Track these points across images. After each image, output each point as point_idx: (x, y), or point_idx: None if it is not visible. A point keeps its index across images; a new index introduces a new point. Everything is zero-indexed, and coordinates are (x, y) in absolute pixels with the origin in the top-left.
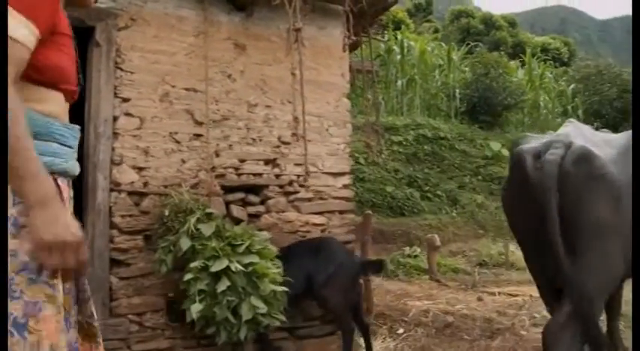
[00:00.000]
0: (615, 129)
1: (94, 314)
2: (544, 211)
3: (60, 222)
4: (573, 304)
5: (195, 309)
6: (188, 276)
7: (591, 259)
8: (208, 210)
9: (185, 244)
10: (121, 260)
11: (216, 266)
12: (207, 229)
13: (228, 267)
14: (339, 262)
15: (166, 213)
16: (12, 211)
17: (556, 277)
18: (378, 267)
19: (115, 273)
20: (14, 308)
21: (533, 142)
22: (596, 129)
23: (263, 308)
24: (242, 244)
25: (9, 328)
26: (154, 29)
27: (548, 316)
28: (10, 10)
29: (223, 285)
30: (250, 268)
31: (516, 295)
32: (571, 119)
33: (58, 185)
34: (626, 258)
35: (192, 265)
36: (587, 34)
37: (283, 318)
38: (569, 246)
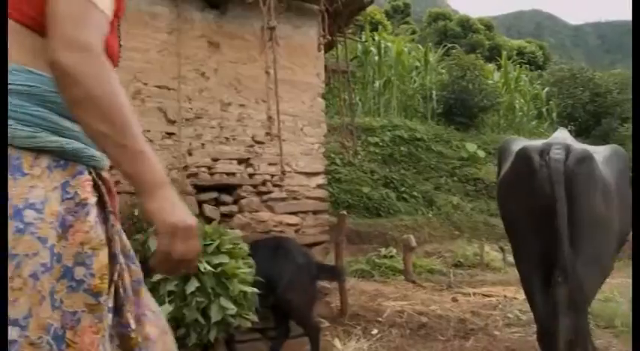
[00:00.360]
0: (588, 132)
1: (131, 323)
2: (553, 202)
3: (180, 204)
4: (571, 289)
5: (164, 310)
6: (157, 277)
7: (588, 248)
8: None
9: (153, 243)
10: None
11: None
12: None
13: (197, 267)
14: (299, 264)
15: (135, 212)
16: (60, 208)
17: (554, 265)
18: (332, 273)
19: None
20: (54, 318)
21: (521, 142)
22: (570, 133)
23: (232, 309)
24: (212, 243)
25: (49, 339)
26: (125, 25)
27: (522, 317)
28: None
29: (192, 286)
30: (220, 269)
31: (490, 296)
32: (562, 128)
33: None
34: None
35: None
36: (561, 39)
37: (255, 318)
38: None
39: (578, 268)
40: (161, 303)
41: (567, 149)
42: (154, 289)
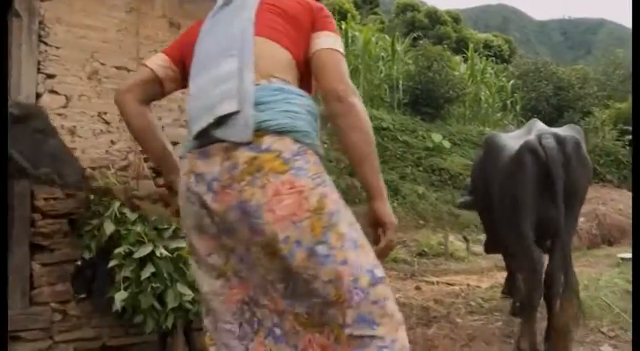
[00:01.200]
0: (551, 124)
1: None
2: (556, 182)
3: None
4: (564, 247)
5: (119, 297)
6: (113, 262)
7: (575, 216)
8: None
9: (109, 228)
10: (44, 246)
11: (141, 252)
12: (132, 214)
13: (153, 252)
14: None
15: (92, 196)
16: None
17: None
18: None
19: (37, 259)
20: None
21: (505, 136)
22: None
23: (189, 295)
24: (168, 228)
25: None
26: (81, 2)
27: (484, 304)
28: (337, 35)
29: (147, 272)
30: (176, 254)
31: (453, 285)
32: (535, 119)
33: None
34: None
35: (117, 251)
36: (526, 34)
37: None
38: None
39: (569, 234)
40: (117, 290)
41: (556, 137)
42: (109, 275)
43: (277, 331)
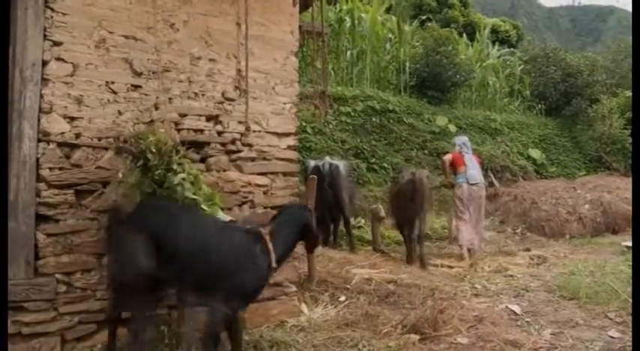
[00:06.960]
0: (558, 111)
1: None
2: None
3: None
4: None
5: None
6: None
7: None
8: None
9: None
10: (49, 216)
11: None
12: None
13: None
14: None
15: (153, 149)
16: None
17: None
18: None
19: (42, 229)
20: None
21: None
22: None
23: None
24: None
25: None
26: None
27: (489, 287)
28: None
29: None
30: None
31: (458, 268)
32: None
33: None
34: None
35: None
36: (535, 20)
37: None
38: None
39: None
40: None
41: None
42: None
43: None
